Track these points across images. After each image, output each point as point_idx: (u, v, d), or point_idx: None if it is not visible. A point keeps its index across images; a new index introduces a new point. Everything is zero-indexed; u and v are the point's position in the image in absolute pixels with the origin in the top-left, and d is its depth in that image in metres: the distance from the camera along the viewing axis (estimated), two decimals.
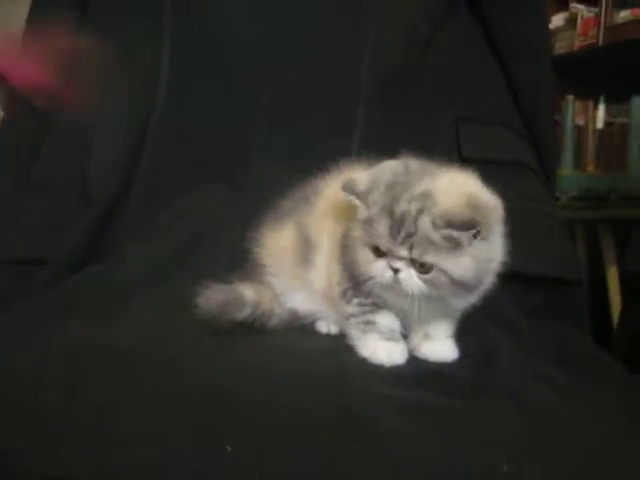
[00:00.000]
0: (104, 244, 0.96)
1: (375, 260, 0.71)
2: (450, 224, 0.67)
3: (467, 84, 1.04)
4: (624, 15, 2.69)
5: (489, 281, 0.73)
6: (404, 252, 0.69)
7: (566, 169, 2.33)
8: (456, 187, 0.71)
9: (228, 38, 0.99)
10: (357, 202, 0.72)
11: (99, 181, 0.98)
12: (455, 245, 0.68)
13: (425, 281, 0.69)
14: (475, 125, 1.01)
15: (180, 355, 0.68)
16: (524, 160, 1.03)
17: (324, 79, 0.99)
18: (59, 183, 1.01)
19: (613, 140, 2.52)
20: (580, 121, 2.58)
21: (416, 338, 0.78)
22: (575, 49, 2.88)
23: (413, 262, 0.69)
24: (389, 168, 0.74)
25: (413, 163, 0.74)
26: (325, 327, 0.84)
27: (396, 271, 0.70)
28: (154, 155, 0.99)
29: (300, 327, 0.83)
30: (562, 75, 2.74)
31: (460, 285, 0.69)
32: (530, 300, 0.91)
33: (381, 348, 0.75)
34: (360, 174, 0.75)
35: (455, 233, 0.67)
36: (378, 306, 0.76)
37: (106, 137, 1.00)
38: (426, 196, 0.69)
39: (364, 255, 0.72)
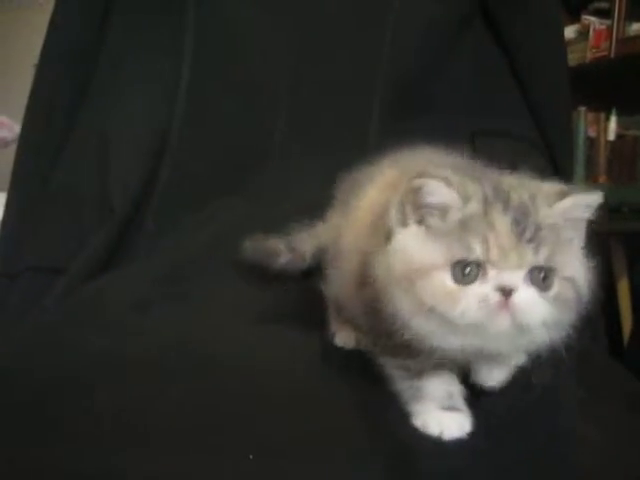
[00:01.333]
0: (122, 254, 0.97)
1: (460, 289, 0.49)
2: (566, 194, 0.52)
3: (484, 96, 1.04)
4: (636, 27, 2.69)
5: None
6: (530, 257, 0.49)
7: (578, 180, 2.33)
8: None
9: (247, 52, 1.00)
10: (451, 193, 0.52)
11: (118, 191, 0.98)
12: (575, 238, 0.53)
13: (549, 301, 0.50)
14: (491, 138, 1.02)
15: (198, 365, 0.68)
16: (540, 172, 1.03)
17: (340, 89, 1.00)
18: (79, 192, 1.02)
19: (625, 152, 2.52)
20: (592, 133, 2.58)
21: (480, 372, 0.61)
22: (587, 61, 2.88)
23: (531, 276, 0.50)
24: (447, 162, 0.58)
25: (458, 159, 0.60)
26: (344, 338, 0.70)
27: (508, 293, 0.49)
28: (173, 166, 1.00)
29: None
30: (574, 87, 2.75)
31: (582, 299, 0.53)
32: None
33: (434, 419, 0.58)
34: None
35: (573, 205, 0.52)
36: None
37: (126, 147, 1.01)
38: (522, 183, 0.54)
39: (441, 283, 0.50)
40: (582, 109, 2.40)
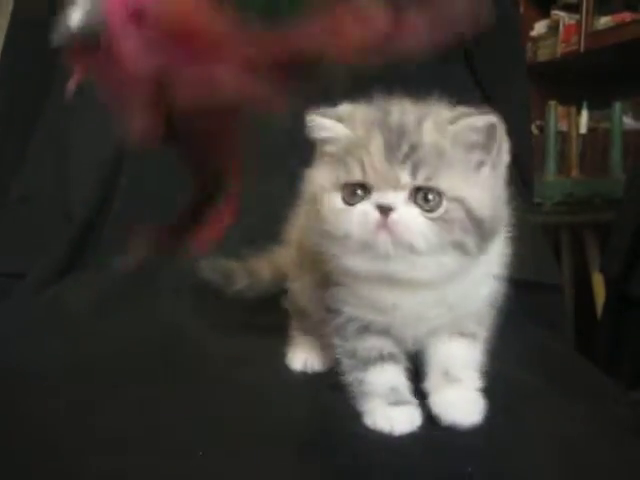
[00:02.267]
0: (83, 260, 0.97)
1: (347, 209, 0.52)
2: (460, 117, 0.53)
3: (442, 93, 1.04)
4: (605, 21, 2.71)
5: (499, 232, 0.58)
6: (406, 177, 0.51)
7: (550, 174, 2.34)
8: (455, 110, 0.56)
9: None
10: (339, 126, 0.55)
11: (77, 199, 0.98)
12: (471, 161, 0.53)
13: (433, 220, 0.51)
14: None
15: (158, 370, 0.68)
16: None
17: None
18: (39, 200, 1.01)
19: (596, 145, 2.54)
20: (563, 127, 2.60)
21: (434, 378, 0.62)
22: (558, 56, 2.90)
23: (415, 196, 0.51)
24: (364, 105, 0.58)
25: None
26: (300, 361, 0.71)
27: (387, 211, 0.51)
28: (130, 174, 0.99)
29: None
30: (545, 81, 2.79)
31: (478, 226, 0.52)
32: (504, 304, 0.91)
33: (383, 416, 0.58)
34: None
35: (466, 127, 0.53)
36: (369, 357, 0.59)
37: (84, 157, 1.01)
38: (423, 108, 0.55)
39: (331, 205, 0.53)
40: (553, 103, 2.41)
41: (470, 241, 0.53)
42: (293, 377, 0.69)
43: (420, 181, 0.51)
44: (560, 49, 2.89)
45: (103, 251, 0.96)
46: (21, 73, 1.08)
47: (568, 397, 0.69)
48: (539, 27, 3.03)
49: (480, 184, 0.53)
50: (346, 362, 0.60)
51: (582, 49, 2.77)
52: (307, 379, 0.69)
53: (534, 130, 2.57)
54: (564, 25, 2.92)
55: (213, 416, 0.60)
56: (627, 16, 2.64)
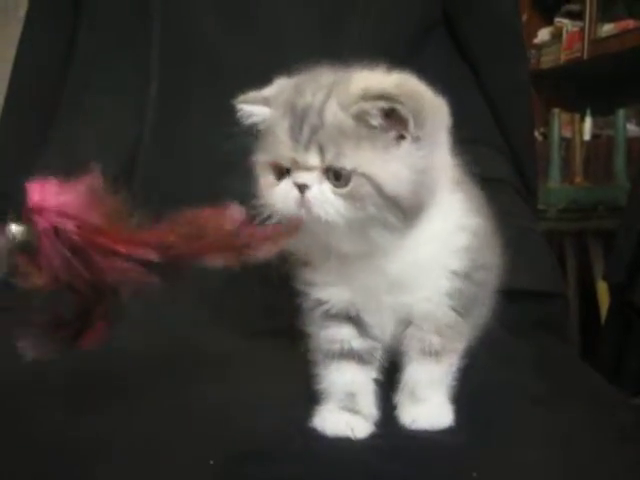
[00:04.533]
0: None
1: (276, 184, 0.55)
2: (362, 97, 0.52)
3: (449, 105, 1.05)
4: (608, 29, 2.72)
5: (428, 203, 0.55)
6: (313, 159, 0.53)
7: (553, 182, 2.35)
8: (386, 75, 0.57)
9: (213, 69, 1.01)
10: (264, 109, 0.57)
11: None
12: (386, 137, 0.52)
13: (344, 197, 0.52)
14: (458, 145, 1.03)
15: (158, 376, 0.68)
16: (504, 176, 1.04)
17: None
18: None
19: (600, 152, 2.55)
20: (567, 134, 2.60)
21: (400, 395, 0.63)
22: (561, 63, 2.91)
23: (327, 174, 0.53)
24: (296, 77, 0.60)
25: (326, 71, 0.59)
26: None
27: (302, 189, 0.53)
28: (142, 182, 1.00)
29: None
30: (549, 88, 2.80)
31: (392, 201, 0.52)
32: (510, 313, 0.92)
33: (331, 420, 0.59)
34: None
35: (368, 106, 0.52)
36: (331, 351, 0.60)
37: (96, 165, 1.02)
38: (338, 81, 0.55)
39: (263, 181, 0.56)
40: (556, 110, 2.42)
41: (389, 216, 0.53)
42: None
43: (327, 162, 0.52)
44: (563, 56, 2.90)
45: None
46: (34, 77, 1.09)
47: (571, 403, 0.70)
48: (542, 34, 3.04)
49: (397, 159, 0.53)
50: (314, 356, 0.62)
51: (585, 56, 2.78)
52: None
53: (538, 137, 2.57)
54: (567, 32, 2.93)
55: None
56: (630, 23, 2.65)
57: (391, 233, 0.54)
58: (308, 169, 0.53)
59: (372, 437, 0.61)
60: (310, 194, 0.53)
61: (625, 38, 2.62)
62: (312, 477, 0.54)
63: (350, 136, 0.52)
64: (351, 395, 0.60)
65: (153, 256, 0.50)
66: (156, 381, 0.66)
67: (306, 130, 0.53)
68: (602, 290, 2.25)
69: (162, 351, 0.73)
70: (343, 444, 0.59)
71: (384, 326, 0.62)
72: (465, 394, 0.67)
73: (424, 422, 0.62)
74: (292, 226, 0.55)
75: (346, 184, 0.52)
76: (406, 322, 0.62)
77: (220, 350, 0.75)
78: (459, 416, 0.64)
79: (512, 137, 1.08)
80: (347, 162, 0.52)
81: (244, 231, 0.54)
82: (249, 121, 0.59)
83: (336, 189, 0.52)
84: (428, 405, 0.63)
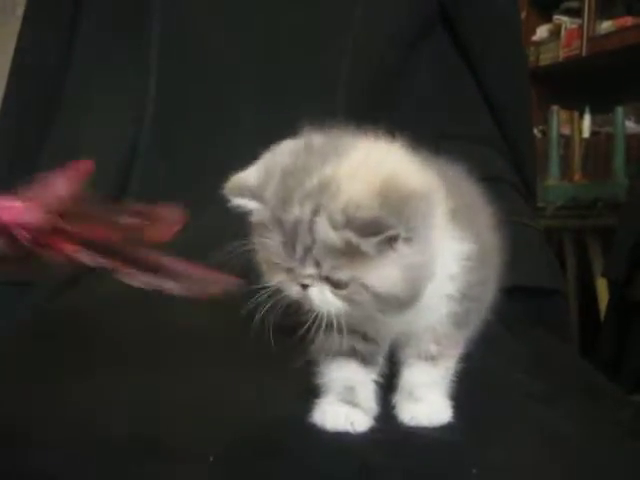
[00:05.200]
0: (90, 270, 0.98)
1: (278, 272, 0.55)
2: (349, 224, 0.51)
3: (446, 100, 1.06)
4: (606, 26, 2.73)
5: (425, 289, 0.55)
6: (310, 270, 0.54)
7: (552, 179, 2.36)
8: (369, 168, 0.54)
9: (211, 67, 1.01)
10: (253, 203, 0.56)
11: None
12: (377, 244, 0.52)
13: (343, 297, 0.54)
14: (454, 140, 1.03)
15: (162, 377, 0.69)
16: (503, 174, 1.04)
17: (304, 98, 1.01)
18: None
19: (599, 149, 2.55)
20: (566, 131, 2.61)
21: (399, 394, 0.63)
22: (560, 60, 2.92)
23: (325, 279, 0.54)
24: (286, 149, 0.59)
25: (317, 139, 0.59)
26: None
27: (304, 287, 0.55)
28: (141, 181, 1.00)
29: None
30: (547, 86, 2.80)
31: (389, 301, 0.54)
32: (510, 309, 0.92)
33: (330, 413, 0.59)
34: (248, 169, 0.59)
35: (354, 239, 0.51)
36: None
37: (96, 164, 1.02)
38: (324, 188, 0.53)
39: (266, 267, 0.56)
40: (555, 108, 2.43)
41: (388, 309, 0.55)
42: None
43: (324, 273, 0.53)
44: (562, 54, 2.91)
45: None
46: (33, 76, 1.09)
47: (570, 400, 0.70)
48: (541, 32, 3.05)
49: (391, 262, 0.53)
50: (315, 354, 0.61)
51: (584, 53, 2.78)
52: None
53: (537, 134, 2.58)
54: (566, 30, 2.93)
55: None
56: (629, 20, 2.66)
57: (392, 313, 0.56)
58: (306, 277, 0.54)
59: (372, 431, 0.61)
60: (311, 292, 0.54)
61: (624, 35, 2.63)
62: (310, 471, 0.54)
63: (343, 252, 0.52)
64: (350, 389, 0.60)
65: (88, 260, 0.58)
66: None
67: (299, 248, 0.53)
68: (601, 287, 2.26)
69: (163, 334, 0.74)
70: (343, 438, 0.59)
71: (384, 338, 0.63)
72: (463, 391, 0.67)
73: (422, 419, 0.62)
74: (231, 283, 0.61)
75: (345, 288, 0.53)
76: (406, 335, 0.63)
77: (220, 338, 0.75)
78: (458, 413, 0.64)
79: (511, 135, 1.08)
80: (342, 274, 0.53)
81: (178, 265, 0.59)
82: (239, 209, 0.57)
83: (335, 290, 0.54)
84: (426, 403, 0.63)
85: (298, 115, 1.00)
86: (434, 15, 1.06)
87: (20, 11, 1.15)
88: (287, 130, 1.00)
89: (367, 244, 0.51)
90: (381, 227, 0.51)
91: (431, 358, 0.62)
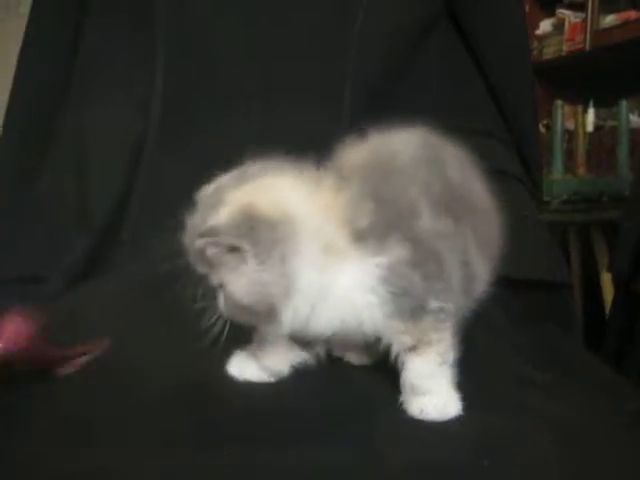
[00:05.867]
0: (101, 263, 0.98)
1: None
2: (202, 235, 0.61)
3: (452, 95, 1.05)
4: (610, 19, 2.72)
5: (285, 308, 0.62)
6: (201, 270, 0.63)
7: (557, 173, 2.35)
8: (244, 196, 0.64)
9: (218, 64, 1.01)
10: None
11: (96, 201, 1.00)
12: (226, 259, 0.61)
13: (224, 301, 0.62)
14: (460, 135, 1.03)
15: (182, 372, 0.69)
16: (508, 168, 1.04)
17: (309, 95, 1.01)
18: (59, 202, 1.03)
19: (603, 143, 2.54)
20: (570, 125, 2.60)
21: (404, 392, 0.65)
22: (563, 54, 2.91)
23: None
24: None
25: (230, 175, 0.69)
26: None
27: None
28: (147, 177, 1.01)
29: None
30: (551, 80, 2.80)
31: (246, 309, 0.61)
32: (516, 303, 0.92)
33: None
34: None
35: (209, 251, 0.61)
36: None
37: (103, 158, 1.02)
38: (211, 206, 0.64)
39: None
40: (559, 102, 2.42)
41: (251, 319, 0.63)
42: None
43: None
44: (565, 48, 2.90)
45: (121, 255, 0.97)
46: (40, 70, 1.10)
47: (578, 392, 0.70)
48: (544, 26, 3.04)
49: (245, 275, 0.61)
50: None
51: (588, 48, 2.78)
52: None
53: (541, 129, 2.57)
54: (569, 24, 2.93)
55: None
56: (632, 14, 2.65)
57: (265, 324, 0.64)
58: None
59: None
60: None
61: (627, 29, 2.62)
62: None
63: (207, 260, 0.61)
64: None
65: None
66: None
67: (190, 249, 0.63)
68: (606, 281, 2.25)
69: None
70: None
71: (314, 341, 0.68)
72: (470, 383, 0.68)
73: (432, 412, 0.63)
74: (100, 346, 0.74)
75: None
76: (342, 337, 0.66)
77: None
78: (466, 405, 0.65)
79: (517, 129, 1.08)
80: (213, 279, 0.62)
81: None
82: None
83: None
84: (433, 396, 0.63)
85: (303, 113, 1.01)
86: (439, 10, 1.06)
87: (23, 8, 1.15)
88: (292, 129, 1.01)
89: (215, 254, 0.60)
90: (225, 239, 0.60)
91: (413, 349, 0.63)
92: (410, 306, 0.62)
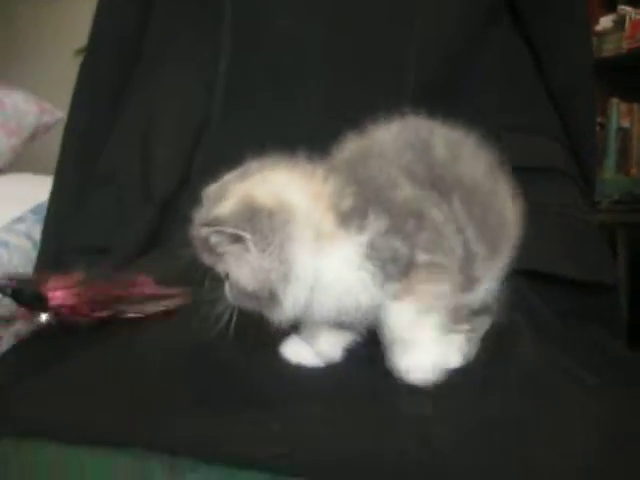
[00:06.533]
0: (163, 236, 1.02)
1: None
2: (206, 225, 0.65)
3: (510, 92, 1.05)
4: None
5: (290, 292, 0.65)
6: (208, 260, 0.67)
7: (609, 172, 2.33)
8: (245, 189, 0.68)
9: (283, 44, 1.03)
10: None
11: (158, 178, 1.03)
12: (236, 248, 0.64)
13: (230, 289, 0.66)
14: (517, 133, 1.03)
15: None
16: (561, 166, 1.04)
17: (373, 79, 1.02)
18: (122, 178, 1.07)
19: None
20: (625, 124, 2.57)
21: (389, 346, 0.67)
22: (623, 51, 2.86)
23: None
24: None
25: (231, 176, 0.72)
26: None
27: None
28: (209, 155, 1.03)
29: None
30: (610, 77, 2.75)
31: (251, 294, 0.64)
32: (563, 303, 0.92)
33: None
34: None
35: (213, 239, 0.64)
36: None
37: (167, 136, 1.05)
38: (215, 199, 0.68)
39: None
40: (615, 100, 2.39)
41: (256, 304, 0.65)
42: None
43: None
44: (626, 45, 2.85)
45: (181, 230, 1.00)
46: (109, 49, 1.13)
47: (623, 394, 0.71)
48: (604, 22, 2.99)
49: (247, 263, 0.64)
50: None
51: None
52: None
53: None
54: (630, 20, 2.87)
55: None
56: None
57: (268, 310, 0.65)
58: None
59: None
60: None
61: None
62: None
63: (213, 249, 0.65)
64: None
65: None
66: None
67: (197, 240, 0.66)
68: None
69: None
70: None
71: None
72: (512, 375, 0.69)
73: (423, 368, 0.65)
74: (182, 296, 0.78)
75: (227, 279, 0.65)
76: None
77: None
78: (506, 396, 0.66)
79: (572, 126, 1.07)
80: (219, 267, 0.65)
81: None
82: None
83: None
84: (424, 350, 0.66)
85: (366, 99, 1.02)
86: (499, 6, 1.06)
87: None
88: (352, 114, 1.01)
89: (219, 241, 0.64)
90: (227, 227, 0.63)
91: (396, 297, 0.65)
92: (399, 269, 0.64)
